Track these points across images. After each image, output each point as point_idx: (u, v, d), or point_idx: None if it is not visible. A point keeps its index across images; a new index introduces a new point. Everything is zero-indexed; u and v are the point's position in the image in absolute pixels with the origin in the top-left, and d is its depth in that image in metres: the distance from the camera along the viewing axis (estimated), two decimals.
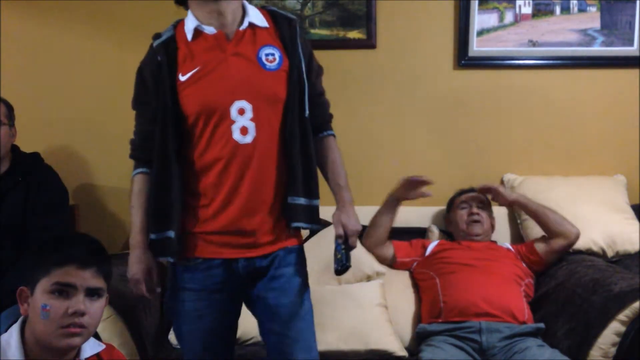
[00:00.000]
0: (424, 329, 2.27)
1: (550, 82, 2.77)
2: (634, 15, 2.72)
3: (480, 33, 2.72)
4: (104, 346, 1.46)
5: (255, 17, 1.62)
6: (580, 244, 2.49)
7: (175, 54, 1.59)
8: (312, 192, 1.64)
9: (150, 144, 1.61)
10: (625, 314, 2.00)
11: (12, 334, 1.34)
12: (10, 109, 2.27)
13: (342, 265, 1.63)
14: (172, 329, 2.32)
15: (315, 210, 1.66)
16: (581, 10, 2.73)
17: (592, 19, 2.73)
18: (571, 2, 2.73)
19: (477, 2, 2.70)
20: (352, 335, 2.21)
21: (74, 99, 2.76)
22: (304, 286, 1.69)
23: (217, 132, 1.56)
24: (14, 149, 2.30)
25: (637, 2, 2.71)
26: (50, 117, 2.76)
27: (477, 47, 2.72)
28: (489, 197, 2.56)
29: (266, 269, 1.64)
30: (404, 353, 2.24)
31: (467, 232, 2.50)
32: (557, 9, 2.73)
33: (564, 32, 2.74)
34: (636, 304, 2.00)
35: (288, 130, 1.60)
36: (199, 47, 1.58)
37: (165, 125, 1.57)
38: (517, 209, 2.65)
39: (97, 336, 1.51)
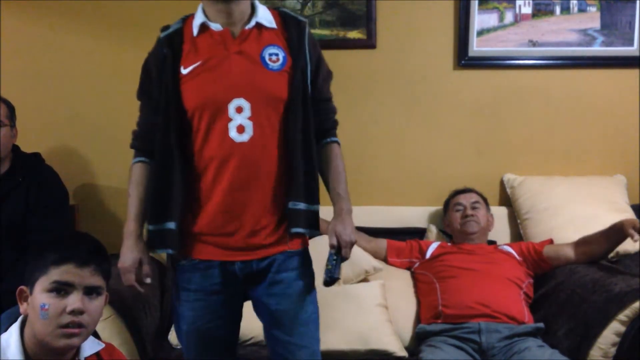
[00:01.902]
0: (424, 329, 2.27)
1: (550, 82, 2.77)
2: (634, 15, 2.72)
3: (480, 33, 2.72)
4: (103, 345, 1.45)
5: (264, 17, 1.61)
6: None
7: (180, 47, 1.59)
8: (313, 198, 1.62)
9: (152, 135, 1.61)
10: (625, 314, 2.00)
11: (12, 334, 1.34)
12: (11, 109, 2.27)
13: (330, 277, 1.60)
14: (172, 329, 2.33)
15: (315, 215, 1.64)
16: (581, 10, 2.73)
17: (592, 19, 2.73)
18: (571, 2, 2.73)
19: (477, 2, 2.70)
20: (352, 335, 2.21)
21: (74, 99, 2.76)
22: (307, 290, 1.66)
23: (213, 129, 1.56)
24: (15, 149, 2.30)
25: (637, 2, 2.71)
26: (50, 117, 2.76)
27: (477, 47, 2.72)
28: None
29: (265, 273, 1.62)
30: (404, 353, 2.24)
31: (463, 231, 2.50)
32: (557, 9, 2.73)
33: (564, 32, 2.73)
34: (636, 304, 2.00)
35: (290, 133, 1.58)
36: (204, 42, 1.59)
37: (168, 118, 1.57)
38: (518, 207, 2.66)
39: (97, 336, 1.51)
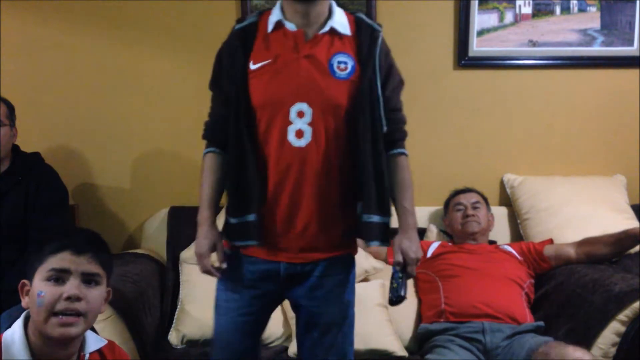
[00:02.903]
0: (426, 328, 2.26)
1: (550, 82, 2.77)
2: (634, 15, 2.72)
3: (480, 33, 2.72)
4: (106, 342, 1.45)
5: (339, 22, 1.61)
6: None
7: (252, 42, 1.59)
8: (386, 209, 1.60)
9: (222, 127, 1.62)
10: (625, 314, 2.01)
11: (16, 330, 1.33)
12: (11, 109, 2.26)
13: (397, 297, 1.59)
14: (172, 329, 2.33)
15: (387, 227, 1.61)
16: (581, 10, 2.73)
17: (592, 19, 2.73)
18: (571, 2, 2.73)
19: (477, 2, 2.70)
20: None
21: (74, 99, 2.76)
22: (348, 295, 1.67)
23: (272, 130, 1.56)
24: (15, 148, 2.30)
25: (637, 2, 2.71)
26: (50, 117, 2.76)
27: (477, 47, 2.72)
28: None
29: (308, 275, 1.62)
30: (404, 353, 2.24)
31: (464, 231, 2.50)
32: (557, 9, 2.74)
33: (564, 32, 2.74)
34: (636, 304, 2.00)
35: (356, 143, 1.57)
36: (276, 40, 1.59)
37: (238, 110, 1.57)
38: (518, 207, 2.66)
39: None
